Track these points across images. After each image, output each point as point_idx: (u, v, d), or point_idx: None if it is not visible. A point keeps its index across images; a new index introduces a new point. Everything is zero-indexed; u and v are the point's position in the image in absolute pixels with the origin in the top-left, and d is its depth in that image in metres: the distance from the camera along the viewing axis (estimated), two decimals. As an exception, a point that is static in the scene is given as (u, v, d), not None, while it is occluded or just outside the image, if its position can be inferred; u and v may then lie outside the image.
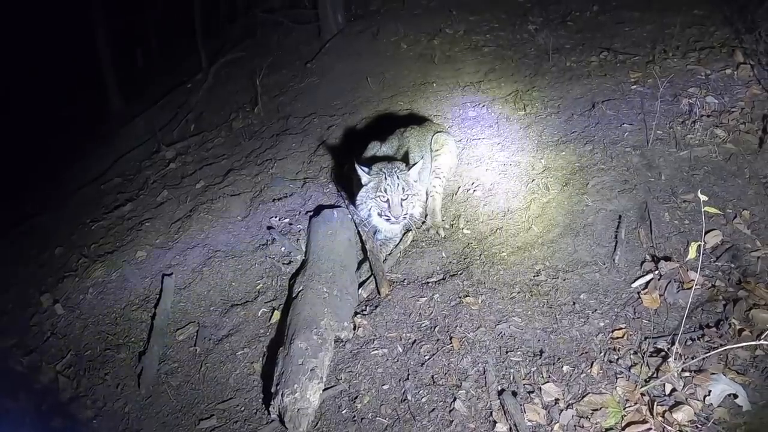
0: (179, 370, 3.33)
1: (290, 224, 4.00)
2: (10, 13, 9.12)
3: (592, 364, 2.64)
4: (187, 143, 5.61)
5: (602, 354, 2.68)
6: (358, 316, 3.15)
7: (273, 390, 2.68)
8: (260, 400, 2.96)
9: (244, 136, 5.21)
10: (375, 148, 3.55)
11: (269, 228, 4.00)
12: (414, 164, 3.29)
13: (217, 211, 4.31)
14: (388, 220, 3.26)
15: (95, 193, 5.66)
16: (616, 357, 2.66)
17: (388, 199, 3.20)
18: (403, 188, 3.20)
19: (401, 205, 3.20)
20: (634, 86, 4.33)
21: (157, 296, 3.79)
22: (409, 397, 2.70)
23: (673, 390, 2.43)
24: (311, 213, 3.96)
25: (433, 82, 5.09)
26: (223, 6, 7.28)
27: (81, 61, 8.55)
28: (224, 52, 6.96)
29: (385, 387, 2.78)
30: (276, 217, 4.11)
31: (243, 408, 2.97)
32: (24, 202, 6.43)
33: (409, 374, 2.80)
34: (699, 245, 2.33)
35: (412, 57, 5.56)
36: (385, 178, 3.21)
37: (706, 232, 3.00)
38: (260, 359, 3.18)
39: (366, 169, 3.25)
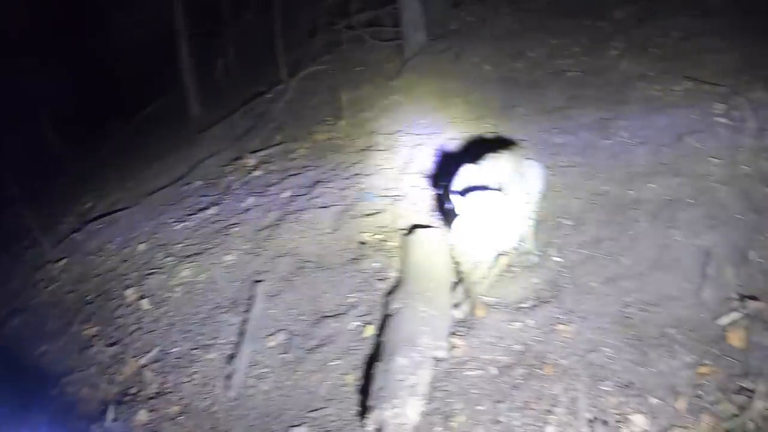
0: (269, 376, 3.41)
1: (383, 241, 4.06)
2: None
3: (678, 398, 2.68)
4: (269, 152, 5.73)
5: (688, 388, 2.71)
6: (454, 336, 3.20)
7: (371, 404, 2.75)
8: (353, 412, 3.02)
9: (329, 149, 5.31)
10: (469, 173, 3.60)
11: (362, 243, 4.07)
12: (513, 194, 3.33)
13: (306, 222, 4.40)
14: (485, 247, 3.31)
15: (176, 194, 5.79)
16: (701, 392, 2.69)
17: (486, 228, 3.24)
18: (501, 217, 3.24)
19: (499, 233, 3.26)
20: (720, 118, 4.26)
21: (247, 301, 3.89)
22: (502, 419, 2.76)
23: (758, 428, 2.49)
24: (404, 231, 4.01)
25: (518, 106, 5.12)
26: (303, 20, 7.45)
27: (162, 66, 8.87)
28: (304, 65, 7.09)
29: (479, 408, 2.84)
30: (368, 232, 4.18)
31: (335, 419, 3.04)
32: (101, 197, 6.54)
33: (502, 397, 2.85)
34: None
35: (495, 79, 5.60)
36: (483, 207, 3.24)
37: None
38: (352, 371, 3.24)
39: (463, 198, 3.29)
